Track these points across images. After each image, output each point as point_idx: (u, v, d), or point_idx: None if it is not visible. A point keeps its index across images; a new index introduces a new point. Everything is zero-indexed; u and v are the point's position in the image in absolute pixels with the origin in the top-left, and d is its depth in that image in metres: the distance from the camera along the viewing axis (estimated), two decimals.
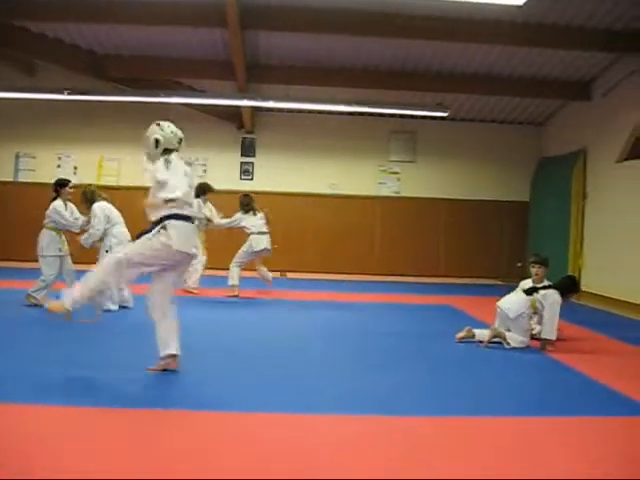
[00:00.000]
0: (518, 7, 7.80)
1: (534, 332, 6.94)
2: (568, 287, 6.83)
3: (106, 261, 5.15)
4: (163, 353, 5.01)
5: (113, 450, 3.39)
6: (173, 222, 4.93)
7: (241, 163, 13.45)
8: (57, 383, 4.61)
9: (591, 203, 11.61)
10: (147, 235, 4.95)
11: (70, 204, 8.17)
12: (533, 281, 6.82)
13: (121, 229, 7.94)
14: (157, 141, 5.11)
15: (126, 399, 4.31)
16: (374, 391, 4.80)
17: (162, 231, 4.91)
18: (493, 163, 13.65)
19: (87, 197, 8.01)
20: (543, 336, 6.53)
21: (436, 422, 4.13)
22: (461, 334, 6.87)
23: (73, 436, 3.59)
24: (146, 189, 5.12)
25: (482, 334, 6.75)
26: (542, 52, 10.41)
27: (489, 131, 13.68)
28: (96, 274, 5.01)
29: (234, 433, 3.77)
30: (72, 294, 5.01)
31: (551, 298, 6.52)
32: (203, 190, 9.66)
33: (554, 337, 6.48)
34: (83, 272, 5.21)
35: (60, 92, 10.30)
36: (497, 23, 9.22)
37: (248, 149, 13.42)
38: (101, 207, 7.89)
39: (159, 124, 5.21)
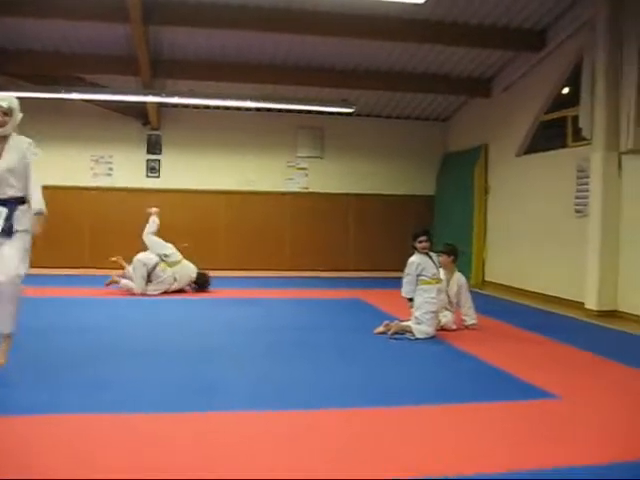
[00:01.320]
0: (417, 5, 8.01)
1: (441, 324, 7.16)
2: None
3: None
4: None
5: None
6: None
7: (147, 160, 13.20)
8: None
9: (493, 196, 12.01)
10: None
11: None
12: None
13: None
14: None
15: None
16: (286, 386, 4.80)
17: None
18: (400, 158, 13.91)
19: None
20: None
21: (347, 415, 4.16)
22: (380, 329, 6.95)
23: None
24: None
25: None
26: (444, 50, 10.70)
27: (395, 127, 13.94)
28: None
29: (141, 436, 3.68)
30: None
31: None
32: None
33: (406, 296, 6.90)
34: None
35: None
36: (398, 20, 9.41)
37: (154, 146, 13.19)
38: None
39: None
